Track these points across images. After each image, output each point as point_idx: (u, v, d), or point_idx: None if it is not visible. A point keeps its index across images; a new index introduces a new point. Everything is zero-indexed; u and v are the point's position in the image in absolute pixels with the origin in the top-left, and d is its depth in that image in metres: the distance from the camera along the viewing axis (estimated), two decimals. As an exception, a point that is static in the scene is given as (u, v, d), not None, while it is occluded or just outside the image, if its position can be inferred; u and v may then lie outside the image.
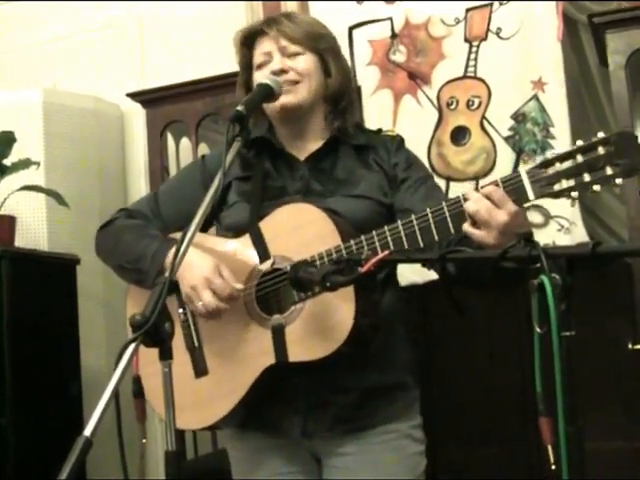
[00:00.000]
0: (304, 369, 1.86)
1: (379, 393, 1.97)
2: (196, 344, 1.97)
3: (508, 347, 3.83)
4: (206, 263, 1.90)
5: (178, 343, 1.97)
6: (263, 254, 1.93)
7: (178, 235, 1.71)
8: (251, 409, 1.96)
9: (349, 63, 2.26)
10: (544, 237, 3.18)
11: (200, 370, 1.96)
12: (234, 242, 2.00)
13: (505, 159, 3.37)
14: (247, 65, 2.12)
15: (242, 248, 1.97)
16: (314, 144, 2.08)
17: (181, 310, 1.98)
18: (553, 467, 1.25)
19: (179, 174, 2.34)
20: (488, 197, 1.67)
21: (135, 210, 2.17)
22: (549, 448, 1.27)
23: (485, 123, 3.43)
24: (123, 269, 2.07)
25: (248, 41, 2.10)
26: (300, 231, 1.89)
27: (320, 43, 2.07)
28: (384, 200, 2.02)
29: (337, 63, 2.09)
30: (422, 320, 3.92)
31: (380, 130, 2.20)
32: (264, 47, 2.06)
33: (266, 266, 1.92)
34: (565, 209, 3.22)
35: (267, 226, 1.95)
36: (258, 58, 2.08)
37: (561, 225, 3.25)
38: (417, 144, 3.39)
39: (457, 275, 1.87)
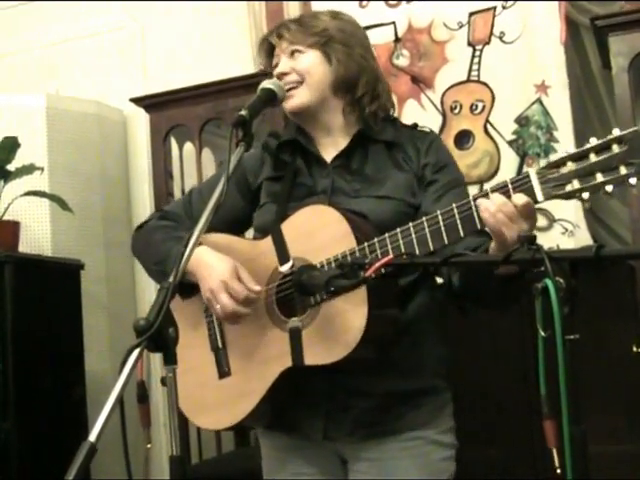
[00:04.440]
0: (325, 372, 1.84)
1: (403, 399, 1.93)
2: (220, 345, 1.97)
3: (512, 348, 3.82)
4: (224, 266, 1.89)
5: (204, 343, 2.00)
6: (283, 256, 1.92)
7: (205, 236, 1.70)
8: (275, 410, 1.96)
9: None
10: (548, 240, 3.18)
11: (223, 371, 1.97)
12: (258, 243, 2.00)
13: (509, 163, 3.37)
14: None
15: (265, 249, 1.96)
16: (342, 140, 2.04)
17: (206, 311, 1.99)
18: (558, 471, 1.25)
19: (215, 174, 2.32)
20: (503, 213, 1.62)
21: (170, 211, 2.18)
22: (554, 451, 1.27)
23: (489, 127, 3.44)
24: (150, 271, 2.09)
25: (269, 51, 2.09)
26: (317, 233, 1.88)
27: (319, 37, 2.02)
28: (411, 200, 1.97)
29: (340, 51, 2.02)
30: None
31: (416, 125, 2.12)
32: (276, 54, 2.06)
33: (286, 268, 1.91)
34: (569, 212, 3.22)
35: (288, 228, 1.94)
36: (273, 63, 2.07)
37: (565, 228, 3.25)
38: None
39: (460, 288, 1.86)
